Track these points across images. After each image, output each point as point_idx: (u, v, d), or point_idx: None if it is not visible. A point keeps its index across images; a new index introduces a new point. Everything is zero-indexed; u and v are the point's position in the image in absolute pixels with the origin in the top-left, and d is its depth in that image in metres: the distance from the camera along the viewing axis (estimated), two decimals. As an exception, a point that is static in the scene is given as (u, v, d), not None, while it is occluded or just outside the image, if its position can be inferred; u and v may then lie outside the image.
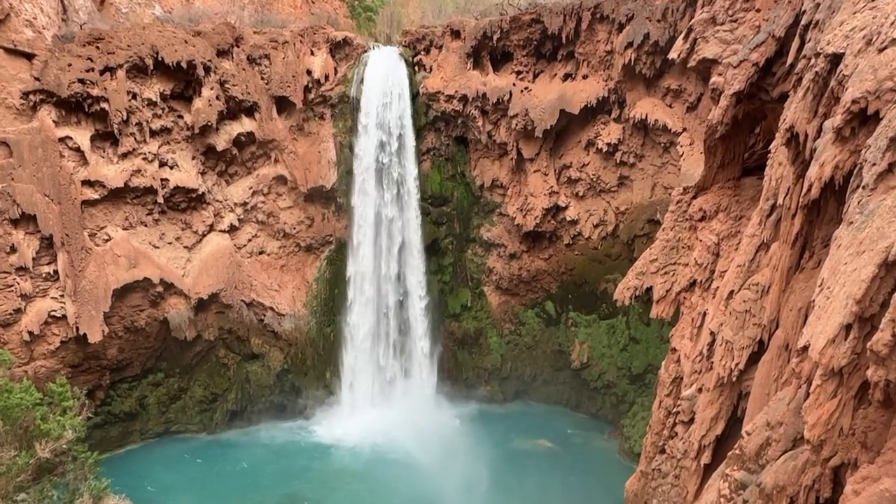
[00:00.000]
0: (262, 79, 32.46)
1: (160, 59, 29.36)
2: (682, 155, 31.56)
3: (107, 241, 30.45)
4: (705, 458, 13.82)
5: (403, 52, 35.85)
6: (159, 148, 30.90)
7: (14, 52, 27.24)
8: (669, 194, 28.24)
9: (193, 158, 31.81)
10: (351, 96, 34.55)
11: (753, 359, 12.32)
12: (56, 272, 28.65)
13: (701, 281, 16.80)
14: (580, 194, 35.55)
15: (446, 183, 37.40)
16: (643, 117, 31.88)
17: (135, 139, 30.16)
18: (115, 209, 30.62)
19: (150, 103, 30.12)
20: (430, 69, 35.58)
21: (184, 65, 29.82)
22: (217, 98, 31.04)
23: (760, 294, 12.35)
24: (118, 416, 32.26)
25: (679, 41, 17.41)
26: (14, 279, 27.72)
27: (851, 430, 6.82)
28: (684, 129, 31.51)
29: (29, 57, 27.50)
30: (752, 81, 13.80)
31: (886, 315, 5.80)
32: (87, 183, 29.39)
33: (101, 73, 28.53)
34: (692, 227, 17.85)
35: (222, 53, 31.30)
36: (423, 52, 35.83)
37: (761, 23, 14.96)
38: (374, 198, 35.47)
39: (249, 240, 34.72)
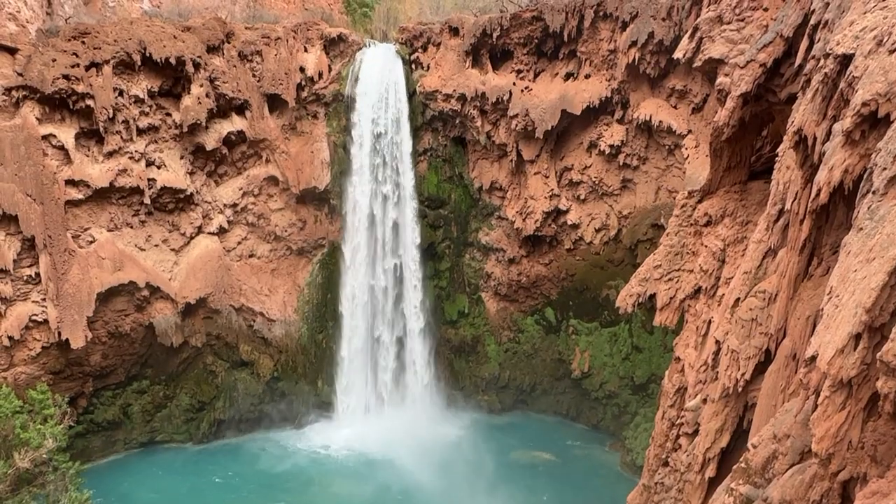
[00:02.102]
0: (254, 76, 31.71)
1: (148, 54, 28.73)
2: (687, 158, 30.77)
3: (91, 242, 29.67)
4: (710, 472, 13.57)
5: (400, 50, 35.05)
6: (146, 147, 30.15)
7: (-4, 47, 26.53)
8: (674, 198, 27.46)
9: (182, 158, 31.04)
10: (345, 95, 33.78)
11: (760, 369, 12.19)
12: (38, 275, 28.04)
13: (706, 288, 16.64)
14: (582, 197, 34.69)
15: (444, 185, 36.54)
16: (647, 118, 31.18)
17: (121, 137, 29.45)
18: (100, 210, 29.85)
19: (137, 100, 29.41)
20: (428, 67, 34.79)
21: (172, 61, 29.12)
22: (207, 95, 30.27)
23: (767, 302, 12.24)
24: (101, 425, 31.40)
25: (684, 40, 17.15)
26: (-6, 282, 26.97)
27: (861, 444, 6.78)
28: (689, 131, 30.75)
29: (12, 52, 26.95)
30: (760, 82, 13.61)
31: (896, 324, 5.74)
32: (71, 182, 28.69)
33: (87, 68, 27.91)
34: (697, 232, 17.65)
35: (212, 49, 30.57)
36: (420, 50, 35.03)
37: (769, 22, 15.09)
38: (369, 200, 34.67)
39: (239, 242, 33.93)
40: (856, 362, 6.36)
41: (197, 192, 31.80)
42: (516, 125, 33.23)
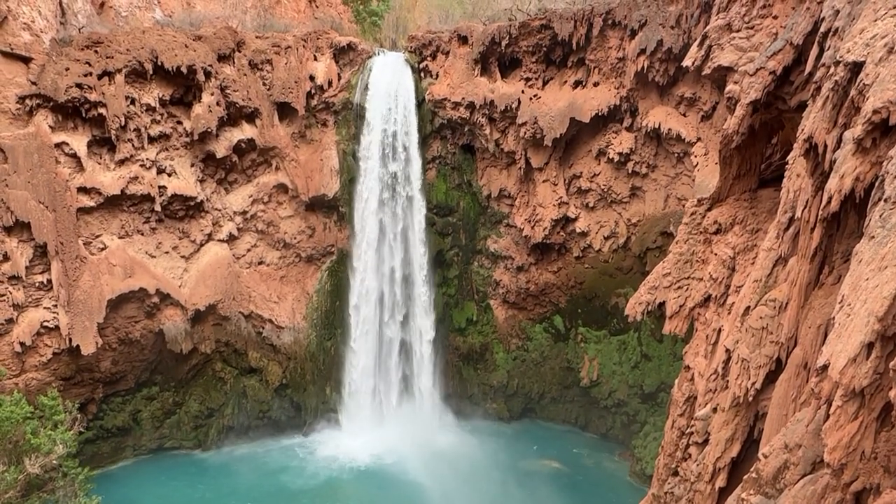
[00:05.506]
0: (264, 84, 31.89)
1: (160, 63, 28.95)
2: (696, 165, 30.71)
3: (102, 249, 29.86)
4: (720, 482, 13.34)
5: (409, 58, 35.18)
6: (157, 154, 30.34)
7: (11, 56, 26.88)
8: (683, 206, 27.39)
9: (192, 165, 31.21)
10: (355, 103, 33.88)
11: (770, 378, 12.01)
12: (49, 281, 28.19)
13: (716, 296, 16.46)
14: (591, 205, 34.60)
15: (452, 192, 36.55)
16: (656, 126, 31.10)
17: (132, 145, 29.65)
18: (112, 217, 30.04)
19: (149, 109, 29.63)
20: (437, 75, 34.88)
21: (184, 70, 29.33)
22: (217, 104, 30.46)
23: (778, 310, 12.07)
24: (111, 430, 31.50)
25: (693, 48, 16.98)
26: (6, 288, 27.29)
27: (874, 454, 6.73)
28: (699, 139, 30.66)
29: (26, 61, 27.20)
30: (769, 90, 13.45)
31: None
32: (83, 190, 28.91)
33: (100, 77, 28.17)
34: (707, 240, 17.48)
35: (223, 58, 30.78)
36: (429, 58, 35.12)
37: (779, 30, 14.90)
38: (378, 207, 34.71)
39: (249, 250, 34.03)
40: (868, 371, 6.30)
41: (207, 199, 31.97)
42: (525, 133, 33.24)
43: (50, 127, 27.60)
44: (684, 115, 31.06)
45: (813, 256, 10.29)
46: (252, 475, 31.46)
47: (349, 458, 32.80)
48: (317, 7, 40.26)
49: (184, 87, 30.28)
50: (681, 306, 17.74)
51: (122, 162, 29.58)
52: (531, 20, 32.53)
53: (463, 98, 33.93)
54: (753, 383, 12.25)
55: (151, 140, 30.05)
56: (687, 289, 17.74)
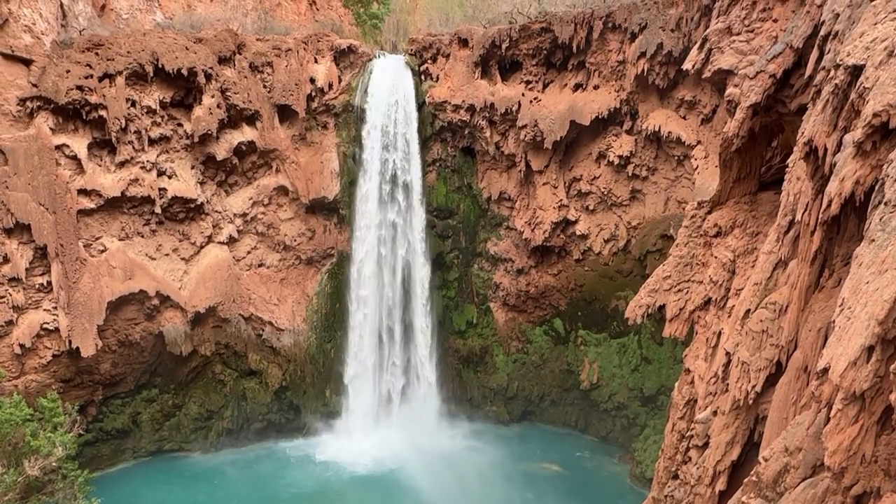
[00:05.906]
0: (265, 87, 31.92)
1: (160, 66, 28.99)
2: (696, 168, 30.71)
3: (102, 251, 29.86)
4: (720, 485, 13.27)
5: (409, 61, 35.22)
6: (158, 157, 30.36)
7: (12, 58, 26.92)
8: (683, 209, 27.45)
9: (192, 168, 31.23)
10: (355, 105, 33.90)
11: (771, 381, 11.96)
12: (49, 283, 28.20)
13: (716, 299, 16.46)
14: (591, 208, 34.61)
15: (452, 195, 36.55)
16: (656, 129, 31.12)
17: (133, 147, 29.67)
18: (112, 219, 30.05)
19: (150, 111, 29.65)
20: (437, 78, 34.92)
21: (184, 72, 29.36)
22: (218, 106, 30.48)
23: (778, 313, 12.02)
24: (110, 433, 31.45)
25: (693, 51, 17.00)
26: (6, 290, 27.29)
27: (874, 457, 6.72)
28: (699, 142, 30.67)
29: (27, 63, 27.24)
30: (770, 93, 13.43)
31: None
32: (84, 192, 28.93)
33: (100, 79, 28.22)
34: (707, 243, 17.45)
35: (224, 61, 30.82)
36: (429, 61, 35.16)
37: (779, 33, 14.91)
38: (378, 210, 34.70)
39: (249, 252, 34.01)
40: (869, 375, 6.28)
41: (207, 201, 31.97)
42: (525, 136, 33.26)
43: (50, 129, 27.63)
44: (684, 118, 31.08)
45: (813, 260, 10.27)
46: (251, 478, 31.38)
47: (349, 461, 32.71)
48: (317, 10, 40.30)
49: (184, 89, 30.32)
50: (681, 309, 17.71)
51: (122, 164, 29.60)
52: (531, 23, 32.58)
53: (463, 101, 33.96)
54: (753, 386, 12.22)
55: (152, 142, 30.06)
56: (687, 292, 17.72)
